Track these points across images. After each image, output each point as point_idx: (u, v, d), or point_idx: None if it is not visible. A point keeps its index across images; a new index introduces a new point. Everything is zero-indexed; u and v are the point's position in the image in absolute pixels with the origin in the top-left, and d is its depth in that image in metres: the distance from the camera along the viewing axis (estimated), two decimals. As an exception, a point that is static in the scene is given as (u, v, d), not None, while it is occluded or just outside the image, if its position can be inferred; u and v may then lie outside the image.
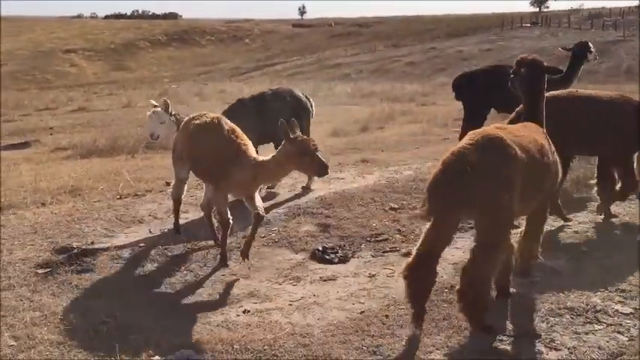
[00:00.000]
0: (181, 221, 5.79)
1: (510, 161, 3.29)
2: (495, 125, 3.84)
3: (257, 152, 6.03)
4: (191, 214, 6.02)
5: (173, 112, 5.99)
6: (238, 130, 4.70)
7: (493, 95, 6.86)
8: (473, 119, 7.10)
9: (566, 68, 7.55)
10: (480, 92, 7.18)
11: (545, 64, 3.99)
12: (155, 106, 6.15)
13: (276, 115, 5.80)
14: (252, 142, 5.85)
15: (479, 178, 3.20)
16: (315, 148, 4.10)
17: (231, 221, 4.68)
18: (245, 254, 4.63)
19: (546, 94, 4.12)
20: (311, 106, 7.04)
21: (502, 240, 3.38)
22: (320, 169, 4.14)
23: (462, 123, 7.48)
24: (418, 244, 3.46)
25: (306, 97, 7.05)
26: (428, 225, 3.44)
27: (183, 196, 5.47)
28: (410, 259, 3.46)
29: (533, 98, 3.99)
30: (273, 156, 4.41)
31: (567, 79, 7.75)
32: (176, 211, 5.47)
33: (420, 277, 3.41)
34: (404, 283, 3.48)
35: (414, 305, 3.46)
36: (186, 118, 5.17)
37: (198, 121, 4.84)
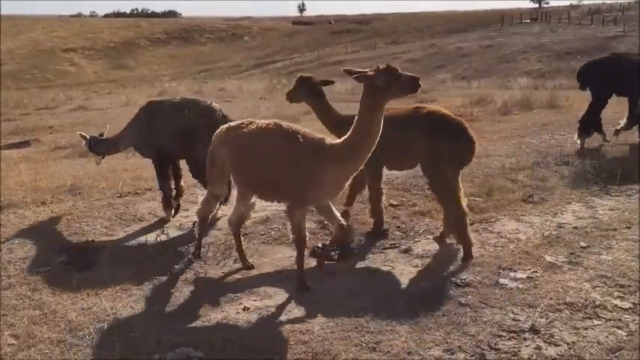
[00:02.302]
0: (181, 219, 5.82)
1: None
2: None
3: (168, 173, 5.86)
4: (191, 211, 6.02)
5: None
6: (300, 127, 4.15)
7: (618, 82, 7.64)
8: (599, 104, 7.86)
9: None
10: (606, 79, 7.74)
11: (319, 79, 5.23)
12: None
13: (166, 131, 5.66)
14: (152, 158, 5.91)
15: None
16: (394, 67, 3.67)
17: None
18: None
19: None
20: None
21: None
22: (413, 85, 3.67)
23: (588, 108, 8.02)
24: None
25: (223, 115, 5.70)
26: None
27: (212, 215, 4.95)
28: None
29: (318, 104, 5.19)
30: (358, 112, 3.78)
31: None
32: (201, 230, 4.83)
33: None
34: None
35: None
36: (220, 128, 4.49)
37: (246, 130, 4.16)
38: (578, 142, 7.89)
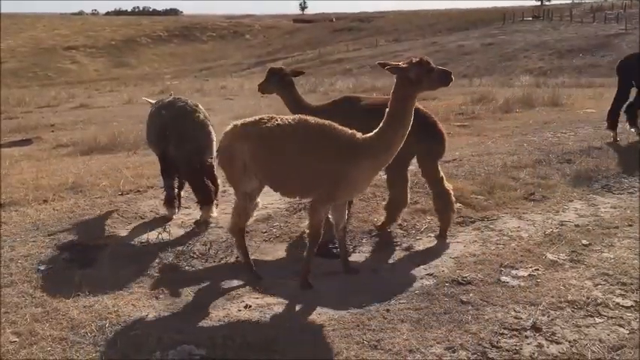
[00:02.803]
0: (182, 217, 5.81)
1: None
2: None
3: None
4: (192, 209, 6.02)
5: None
6: (327, 122, 3.99)
7: None
8: (623, 99, 8.09)
9: None
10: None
11: (289, 70, 5.39)
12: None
13: (154, 130, 5.73)
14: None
15: None
16: (427, 61, 3.70)
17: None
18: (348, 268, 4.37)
19: None
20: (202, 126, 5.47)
21: None
22: (445, 78, 3.74)
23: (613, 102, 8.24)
24: None
25: (199, 117, 5.49)
26: None
27: (250, 221, 4.58)
28: None
29: (289, 95, 5.26)
30: (389, 104, 3.77)
31: None
32: (241, 243, 4.39)
33: None
34: None
35: None
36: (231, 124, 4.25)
37: (270, 126, 3.99)
38: (612, 134, 8.07)
